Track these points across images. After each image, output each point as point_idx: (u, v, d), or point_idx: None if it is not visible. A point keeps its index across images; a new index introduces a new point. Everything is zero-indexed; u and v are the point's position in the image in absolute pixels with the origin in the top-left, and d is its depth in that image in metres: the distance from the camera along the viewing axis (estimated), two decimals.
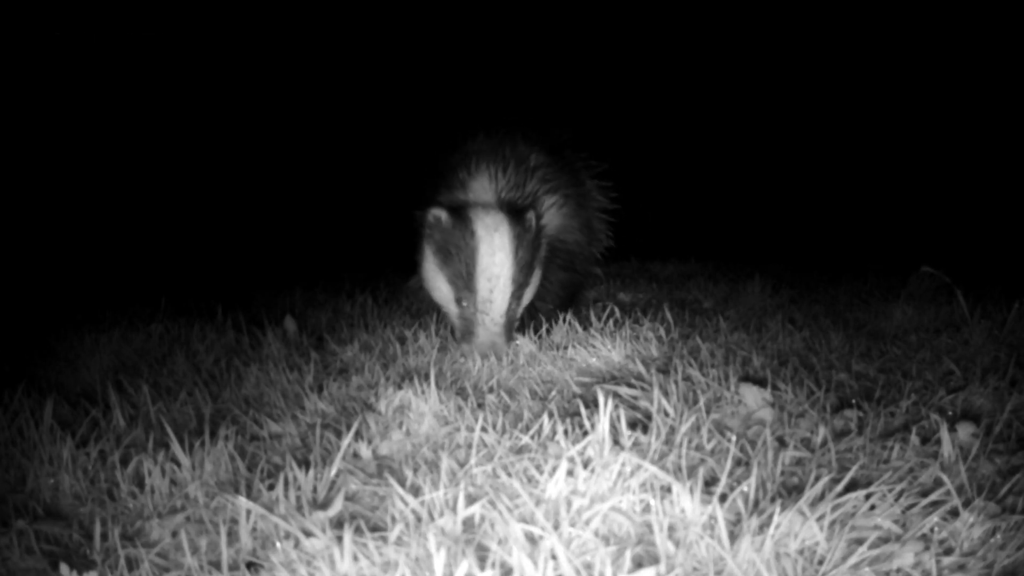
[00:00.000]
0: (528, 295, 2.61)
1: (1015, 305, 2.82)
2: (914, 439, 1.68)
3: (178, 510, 1.50)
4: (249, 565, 1.28)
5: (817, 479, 1.39)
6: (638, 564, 1.19)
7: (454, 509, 1.30)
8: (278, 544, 1.30)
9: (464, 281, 2.46)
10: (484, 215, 2.51)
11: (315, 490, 1.49)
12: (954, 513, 1.35)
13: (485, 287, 2.44)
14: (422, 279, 2.65)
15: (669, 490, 1.34)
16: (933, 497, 1.36)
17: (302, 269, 5.26)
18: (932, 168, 7.24)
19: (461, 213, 2.51)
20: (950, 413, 1.93)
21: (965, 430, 1.69)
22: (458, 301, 2.50)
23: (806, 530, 1.23)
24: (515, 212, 2.56)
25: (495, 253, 2.44)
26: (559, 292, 2.92)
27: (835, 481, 1.37)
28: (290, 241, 6.84)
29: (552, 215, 2.80)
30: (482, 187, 2.72)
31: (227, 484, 1.58)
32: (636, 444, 1.61)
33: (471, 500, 1.34)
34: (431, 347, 2.58)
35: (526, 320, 2.79)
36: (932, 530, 1.32)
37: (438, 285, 2.54)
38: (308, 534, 1.28)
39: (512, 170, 2.76)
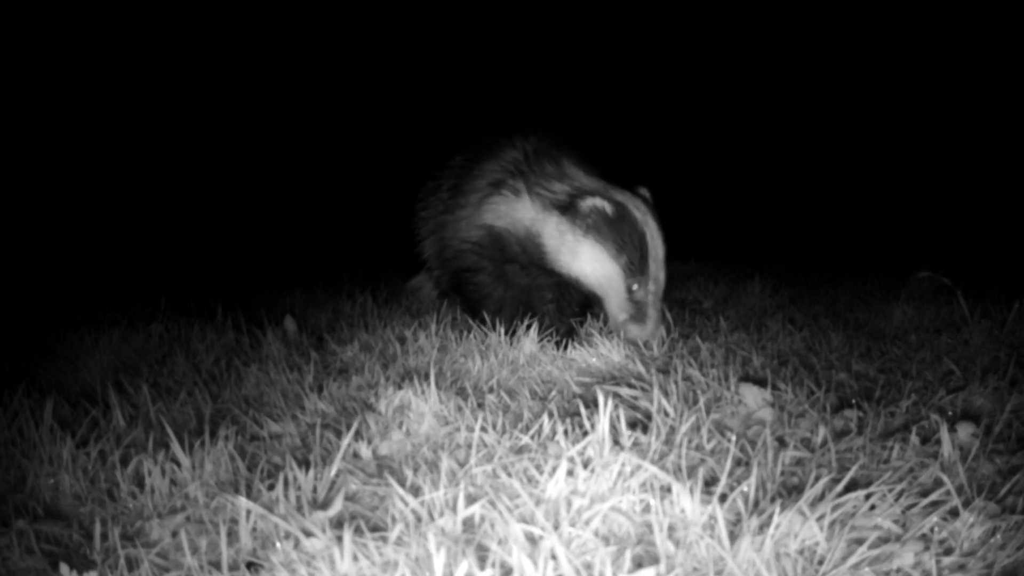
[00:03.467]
0: None
1: (1015, 305, 2.82)
2: (914, 439, 1.68)
3: (178, 510, 1.50)
4: (249, 565, 1.28)
5: (817, 479, 1.39)
6: (638, 564, 1.19)
7: (454, 509, 1.30)
8: (278, 544, 1.30)
9: (637, 266, 2.49)
10: (627, 198, 2.54)
11: (315, 490, 1.49)
12: (954, 513, 1.35)
13: (655, 269, 2.50)
14: (569, 267, 2.61)
15: (669, 490, 1.34)
16: (933, 497, 1.36)
17: (302, 269, 5.26)
18: (932, 168, 7.24)
19: (614, 201, 2.51)
20: (950, 413, 1.93)
21: (965, 430, 1.69)
22: (629, 288, 2.51)
23: (806, 530, 1.23)
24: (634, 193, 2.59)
25: (654, 235, 2.50)
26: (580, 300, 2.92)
27: (835, 481, 1.37)
28: (290, 241, 6.84)
29: None
30: (584, 176, 2.68)
31: (227, 484, 1.58)
32: (636, 444, 1.61)
33: (471, 500, 1.34)
34: (431, 347, 2.58)
35: (558, 326, 2.81)
36: (932, 530, 1.32)
37: (608, 274, 2.53)
38: (308, 534, 1.28)
39: (593, 163, 2.75)
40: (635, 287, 2.51)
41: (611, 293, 2.56)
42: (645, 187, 2.67)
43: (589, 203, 2.49)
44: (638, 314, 2.52)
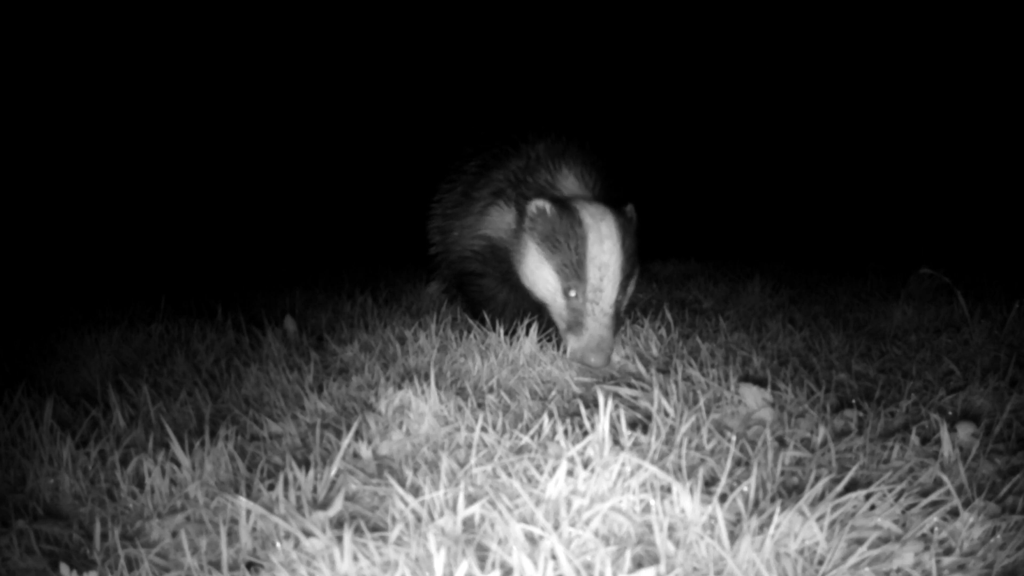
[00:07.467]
0: (630, 290, 2.56)
1: (1015, 305, 2.82)
2: (914, 439, 1.68)
3: (178, 510, 1.50)
4: (249, 565, 1.28)
5: (817, 479, 1.39)
6: (638, 564, 1.19)
7: (454, 509, 1.30)
8: (278, 544, 1.30)
9: (573, 270, 2.40)
10: (588, 205, 2.49)
11: (315, 490, 1.49)
12: (954, 513, 1.35)
13: (595, 275, 2.39)
14: (522, 275, 2.59)
15: (669, 490, 1.34)
16: (933, 497, 1.36)
17: (302, 269, 5.26)
18: (933, 168, 7.24)
19: (564, 204, 2.48)
20: (950, 413, 1.93)
21: (965, 430, 1.69)
22: (566, 292, 2.44)
23: (806, 530, 1.23)
24: (614, 205, 2.54)
25: (603, 241, 2.39)
26: None
27: (835, 481, 1.37)
28: (290, 241, 6.84)
29: None
30: (573, 186, 2.67)
31: (227, 484, 1.58)
32: (636, 444, 1.61)
33: (471, 500, 1.34)
34: (431, 347, 2.58)
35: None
36: (932, 530, 1.32)
37: (544, 276, 2.49)
38: (308, 534, 1.28)
39: (597, 173, 2.74)
40: (572, 293, 2.42)
41: (548, 297, 2.51)
42: (631, 205, 2.60)
43: (533, 204, 2.49)
44: (575, 324, 2.42)
